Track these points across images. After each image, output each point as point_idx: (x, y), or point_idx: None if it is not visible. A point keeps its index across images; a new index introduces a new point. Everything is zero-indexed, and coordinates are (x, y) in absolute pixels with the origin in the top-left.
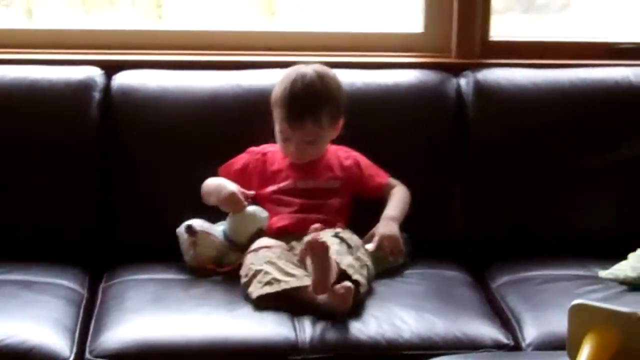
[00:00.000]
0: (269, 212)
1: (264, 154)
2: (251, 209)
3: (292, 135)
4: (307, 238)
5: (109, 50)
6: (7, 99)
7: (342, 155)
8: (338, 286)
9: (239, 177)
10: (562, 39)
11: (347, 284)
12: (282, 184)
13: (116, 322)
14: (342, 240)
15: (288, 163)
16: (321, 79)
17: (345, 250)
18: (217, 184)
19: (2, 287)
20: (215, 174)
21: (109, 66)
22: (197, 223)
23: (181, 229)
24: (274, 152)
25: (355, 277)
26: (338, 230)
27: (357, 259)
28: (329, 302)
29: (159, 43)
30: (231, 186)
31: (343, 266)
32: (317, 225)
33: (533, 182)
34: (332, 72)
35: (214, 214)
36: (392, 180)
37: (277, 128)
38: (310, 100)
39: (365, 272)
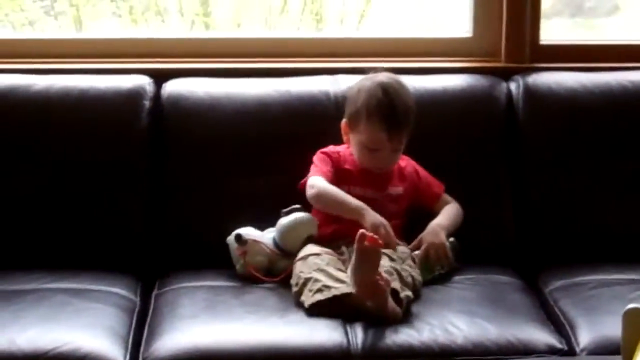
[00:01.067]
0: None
1: (337, 152)
2: (301, 215)
3: (386, 145)
4: (357, 238)
5: (157, 59)
6: (57, 108)
7: (401, 163)
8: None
9: (334, 177)
10: (612, 42)
11: (385, 275)
12: (352, 190)
13: (169, 330)
14: (383, 254)
15: (360, 168)
16: (402, 87)
17: (387, 262)
18: (353, 200)
19: (54, 295)
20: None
21: (158, 75)
22: (247, 232)
23: (231, 238)
24: (343, 152)
25: (393, 285)
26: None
27: (402, 269)
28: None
29: (208, 51)
30: (377, 217)
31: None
32: (361, 230)
33: (584, 186)
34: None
35: (263, 222)
36: (447, 196)
37: (362, 138)
38: (406, 110)
39: (410, 280)
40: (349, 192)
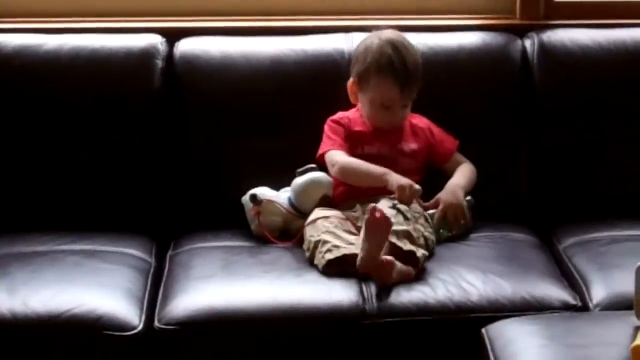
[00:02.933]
0: None
1: (347, 117)
2: (316, 175)
3: (398, 101)
4: (369, 211)
5: (170, 18)
6: (68, 68)
7: (414, 120)
8: (381, 260)
9: (348, 143)
10: None
11: (389, 258)
12: (367, 150)
13: (184, 290)
14: (399, 211)
15: (371, 129)
16: (409, 43)
17: (402, 221)
18: (375, 168)
19: (68, 256)
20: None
21: (171, 34)
22: (262, 192)
23: (246, 198)
24: (353, 116)
25: (407, 247)
26: (396, 202)
27: (415, 230)
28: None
29: (221, 9)
30: (403, 179)
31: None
32: (374, 205)
33: (599, 143)
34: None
35: (279, 182)
36: (461, 156)
37: (373, 96)
38: (416, 65)
39: (422, 242)
40: (363, 152)
